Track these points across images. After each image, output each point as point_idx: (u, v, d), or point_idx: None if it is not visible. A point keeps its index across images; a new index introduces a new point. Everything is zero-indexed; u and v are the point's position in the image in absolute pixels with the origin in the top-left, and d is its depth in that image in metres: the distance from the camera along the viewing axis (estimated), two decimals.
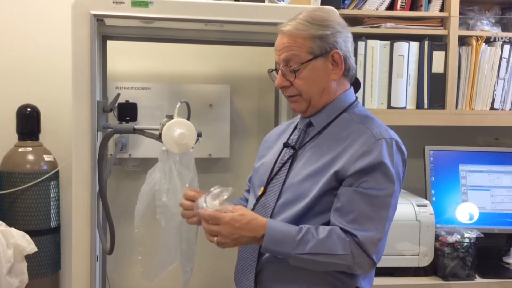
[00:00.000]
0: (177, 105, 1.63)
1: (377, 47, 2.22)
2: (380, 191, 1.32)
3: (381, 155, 1.33)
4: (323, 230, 1.31)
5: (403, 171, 1.42)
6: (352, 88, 1.50)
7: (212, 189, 1.37)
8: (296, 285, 1.39)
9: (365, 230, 1.30)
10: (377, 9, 2.24)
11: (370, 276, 1.45)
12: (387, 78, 2.23)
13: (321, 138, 1.43)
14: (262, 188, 1.47)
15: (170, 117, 1.73)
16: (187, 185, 1.90)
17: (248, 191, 1.66)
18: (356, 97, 1.51)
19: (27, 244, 1.94)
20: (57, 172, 2.25)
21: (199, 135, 1.75)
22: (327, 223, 1.35)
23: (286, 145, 1.49)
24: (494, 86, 2.30)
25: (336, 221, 1.33)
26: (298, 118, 1.56)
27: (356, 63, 1.55)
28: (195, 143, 1.74)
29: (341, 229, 1.31)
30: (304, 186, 1.38)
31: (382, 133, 1.38)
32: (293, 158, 1.45)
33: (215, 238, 1.32)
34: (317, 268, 1.34)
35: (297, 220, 1.36)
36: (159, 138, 1.75)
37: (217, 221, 1.30)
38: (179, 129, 1.68)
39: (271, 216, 1.41)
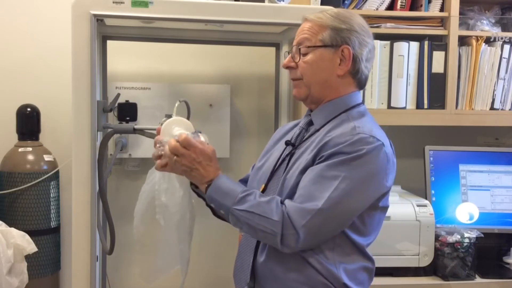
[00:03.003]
0: (176, 104, 1.62)
1: (377, 47, 2.21)
2: (330, 172, 1.31)
3: (350, 146, 1.32)
4: (266, 197, 1.36)
5: (382, 174, 1.36)
6: (359, 92, 1.50)
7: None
8: (288, 281, 1.39)
9: (298, 203, 1.31)
10: (377, 9, 2.24)
11: (361, 279, 1.43)
12: (387, 78, 2.23)
13: (316, 136, 1.44)
14: (263, 186, 1.48)
15: (169, 117, 1.73)
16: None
17: (244, 180, 1.66)
18: (362, 102, 1.50)
19: (27, 244, 1.94)
20: (57, 172, 2.25)
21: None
22: None
23: (287, 143, 1.51)
24: (494, 86, 2.30)
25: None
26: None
27: None
28: None
29: (281, 202, 1.34)
30: (296, 182, 1.39)
31: (364, 130, 1.36)
32: (291, 155, 1.47)
33: (174, 157, 1.38)
34: (250, 232, 1.36)
35: None
36: None
37: (190, 147, 1.38)
38: (177, 127, 1.68)
39: None
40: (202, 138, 1.44)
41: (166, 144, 1.42)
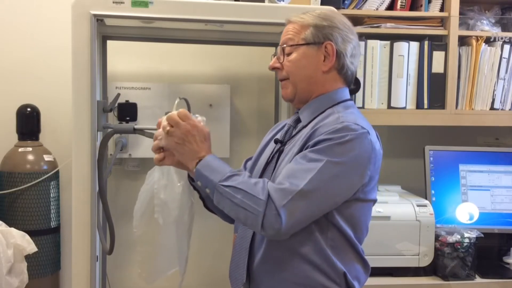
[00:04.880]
0: (175, 102, 1.63)
1: (377, 47, 2.22)
2: (313, 156, 1.31)
3: (334, 133, 1.33)
4: (255, 178, 1.36)
5: (367, 160, 1.36)
6: (346, 89, 1.51)
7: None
8: (285, 282, 1.39)
9: (278, 183, 1.31)
10: (377, 9, 2.24)
11: (356, 272, 1.43)
12: (387, 78, 2.23)
13: (303, 131, 1.45)
14: None
15: None
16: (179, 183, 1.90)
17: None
18: (351, 98, 1.51)
19: (27, 244, 1.94)
20: (57, 172, 2.25)
21: None
22: None
23: (275, 140, 1.53)
24: (494, 86, 2.30)
25: None
26: None
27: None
28: None
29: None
30: None
31: (348, 119, 1.37)
32: (280, 153, 1.48)
33: (168, 128, 1.37)
34: (232, 210, 1.33)
35: None
36: None
37: (185, 117, 1.38)
38: None
39: None
40: (200, 119, 1.45)
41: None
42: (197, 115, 1.46)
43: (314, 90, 1.47)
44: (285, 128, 1.54)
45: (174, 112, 1.41)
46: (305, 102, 1.50)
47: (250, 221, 1.31)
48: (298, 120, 1.52)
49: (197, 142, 1.39)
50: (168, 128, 1.39)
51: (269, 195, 1.29)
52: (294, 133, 1.50)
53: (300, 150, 1.38)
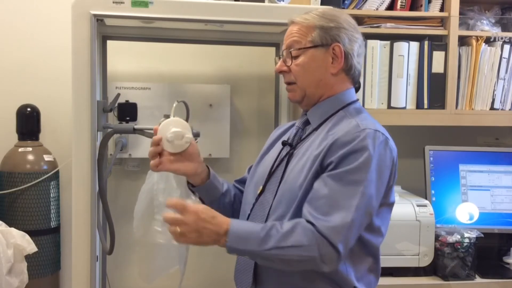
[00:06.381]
0: (174, 105, 1.63)
1: (377, 47, 2.22)
2: (351, 177, 1.30)
3: (361, 143, 1.32)
4: (288, 224, 1.31)
5: (391, 168, 1.38)
6: (353, 89, 1.50)
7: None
8: (294, 285, 1.39)
9: (328, 217, 1.28)
10: (377, 9, 2.24)
11: (369, 280, 1.43)
12: (387, 78, 2.23)
13: (315, 135, 1.44)
14: (261, 188, 1.48)
15: (168, 117, 1.73)
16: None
17: (240, 181, 1.66)
18: (357, 99, 1.51)
19: (27, 244, 1.94)
20: (57, 172, 2.25)
21: (196, 135, 1.75)
22: None
23: (283, 143, 1.51)
24: (494, 86, 2.30)
25: (305, 210, 1.32)
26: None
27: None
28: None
29: (307, 221, 1.30)
30: (297, 182, 1.38)
31: (368, 125, 1.36)
32: (289, 156, 1.46)
33: (178, 229, 1.29)
34: (285, 266, 1.32)
35: (292, 215, 1.36)
36: None
37: (183, 209, 1.29)
38: (174, 128, 1.68)
39: (268, 214, 1.42)
40: (191, 201, 1.39)
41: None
42: (191, 197, 1.43)
43: (323, 92, 1.46)
44: (294, 131, 1.52)
45: (169, 214, 1.31)
46: (313, 104, 1.48)
47: (308, 266, 1.31)
48: (306, 122, 1.50)
49: (210, 221, 1.30)
50: (178, 231, 1.29)
51: (316, 235, 1.27)
52: (303, 135, 1.48)
53: (321, 161, 1.35)
